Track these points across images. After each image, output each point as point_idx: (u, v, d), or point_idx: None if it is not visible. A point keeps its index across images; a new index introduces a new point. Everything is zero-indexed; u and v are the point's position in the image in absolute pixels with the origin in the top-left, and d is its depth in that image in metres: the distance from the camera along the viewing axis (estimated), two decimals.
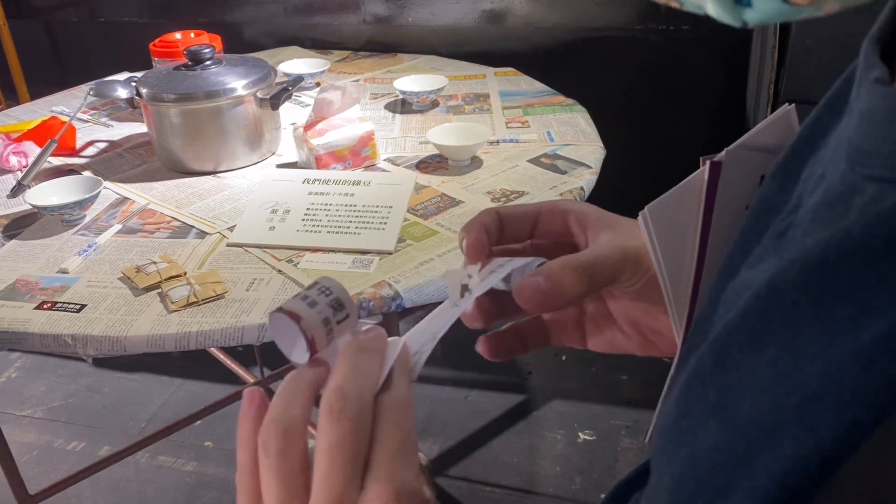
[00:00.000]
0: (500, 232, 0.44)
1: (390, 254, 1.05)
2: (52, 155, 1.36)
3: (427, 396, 1.96)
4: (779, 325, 0.25)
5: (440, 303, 0.43)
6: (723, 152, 0.37)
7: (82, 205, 1.16)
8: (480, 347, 0.46)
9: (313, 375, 0.36)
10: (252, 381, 1.91)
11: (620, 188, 1.28)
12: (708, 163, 0.37)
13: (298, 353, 0.37)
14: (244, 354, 2.03)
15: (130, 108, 1.55)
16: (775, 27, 1.17)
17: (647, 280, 0.42)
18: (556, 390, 1.98)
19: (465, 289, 0.41)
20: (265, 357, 1.99)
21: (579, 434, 1.84)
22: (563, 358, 2.08)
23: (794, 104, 0.39)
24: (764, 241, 0.30)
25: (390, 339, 0.38)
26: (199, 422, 1.85)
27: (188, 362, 2.11)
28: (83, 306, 0.97)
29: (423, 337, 0.39)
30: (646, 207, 0.38)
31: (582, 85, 1.63)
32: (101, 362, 2.15)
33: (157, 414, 1.98)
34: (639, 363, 2.04)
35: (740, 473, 0.24)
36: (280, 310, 0.37)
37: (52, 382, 2.11)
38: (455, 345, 2.09)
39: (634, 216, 0.41)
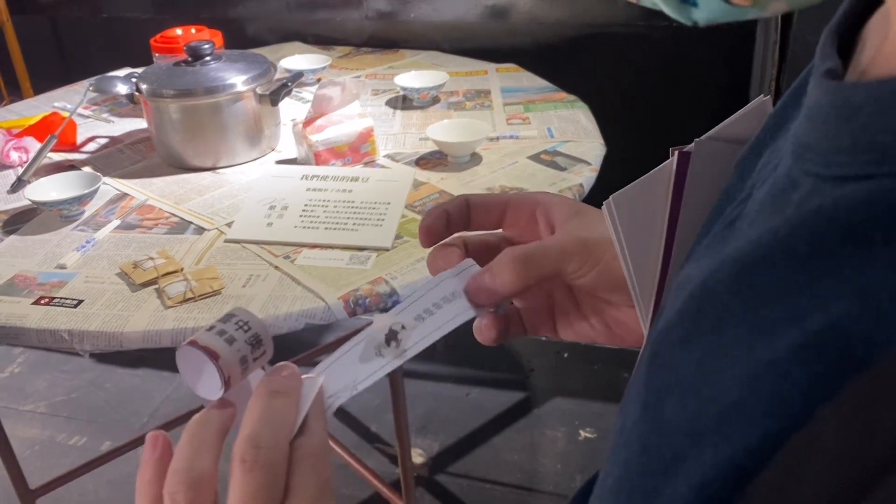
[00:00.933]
0: (467, 219, 0.45)
1: (388, 250, 1.05)
2: (53, 150, 1.36)
3: (428, 393, 1.96)
4: (708, 327, 0.24)
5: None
6: (692, 143, 0.36)
7: (81, 200, 1.16)
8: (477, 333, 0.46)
9: (220, 420, 0.34)
10: None
11: (622, 185, 1.28)
12: (676, 153, 0.37)
13: (208, 390, 0.35)
14: None
15: (131, 104, 1.56)
16: (776, 22, 1.16)
17: (598, 272, 0.41)
18: (557, 388, 1.97)
19: (393, 336, 0.38)
20: None
21: (580, 432, 1.84)
22: (565, 356, 2.07)
23: (769, 96, 0.38)
24: (713, 232, 0.30)
25: (305, 377, 0.36)
26: None
27: None
28: (80, 302, 0.97)
29: (342, 380, 0.37)
30: (610, 197, 0.37)
31: (585, 81, 1.63)
32: (104, 358, 2.16)
33: (159, 409, 1.99)
34: None
35: (667, 480, 0.24)
36: (195, 344, 0.34)
37: (54, 378, 2.12)
38: (457, 342, 2.09)
39: None
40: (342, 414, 1.92)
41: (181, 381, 2.07)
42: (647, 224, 0.38)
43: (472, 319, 0.42)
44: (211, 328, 0.35)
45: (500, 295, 0.40)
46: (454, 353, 2.07)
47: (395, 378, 1.30)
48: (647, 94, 1.90)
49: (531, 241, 0.44)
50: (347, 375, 0.37)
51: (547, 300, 0.46)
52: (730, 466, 0.21)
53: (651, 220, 0.38)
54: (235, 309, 0.37)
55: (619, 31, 1.85)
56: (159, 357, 2.14)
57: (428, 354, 2.06)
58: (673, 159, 0.37)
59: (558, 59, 1.90)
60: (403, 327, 0.38)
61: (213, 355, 0.34)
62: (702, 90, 1.86)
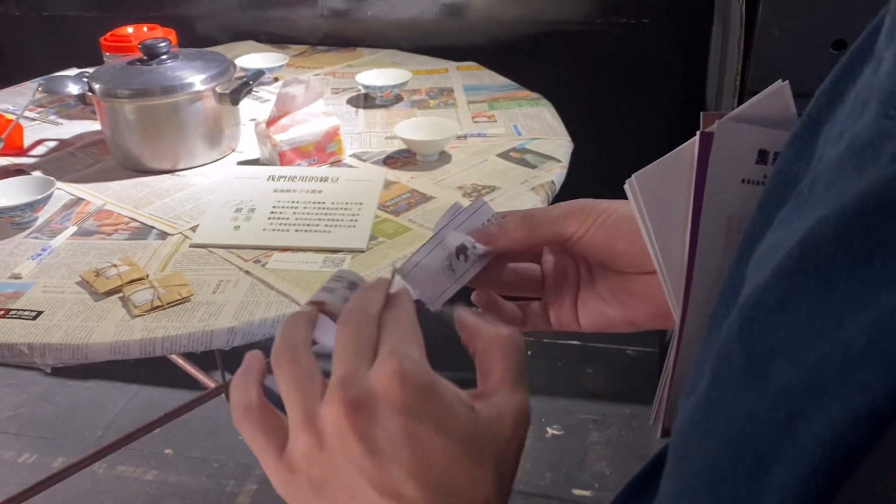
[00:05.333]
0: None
1: (363, 251, 1.02)
2: None
3: None
4: (812, 284, 0.24)
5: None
6: (714, 123, 0.37)
7: (34, 206, 1.11)
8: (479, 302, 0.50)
9: (307, 316, 0.39)
10: (213, 385, 1.86)
11: (583, 181, 1.27)
12: (698, 133, 0.38)
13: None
14: (203, 358, 1.98)
15: (81, 105, 1.50)
16: (741, 18, 1.17)
17: (598, 229, 0.45)
18: None
19: (463, 251, 0.45)
20: (226, 361, 1.94)
21: (547, 429, 1.84)
22: (529, 353, 2.07)
23: (787, 81, 0.39)
24: (788, 204, 0.29)
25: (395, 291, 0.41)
26: (158, 429, 1.79)
27: (145, 368, 2.03)
28: (39, 313, 0.92)
29: (434, 285, 0.45)
30: (633, 175, 0.39)
31: (544, 79, 1.62)
32: (53, 370, 2.07)
33: (115, 422, 1.91)
34: (603, 356, 2.05)
35: (783, 441, 0.23)
36: (311, 303, 0.41)
37: None
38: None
39: None
40: None
41: (137, 392, 2.00)
42: (670, 202, 0.39)
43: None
44: (322, 289, 0.42)
45: (501, 241, 0.46)
46: None
47: None
48: (605, 90, 1.91)
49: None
50: (428, 286, 0.45)
51: (573, 292, 0.49)
52: (866, 414, 0.21)
53: (674, 199, 0.39)
54: (340, 271, 0.43)
55: (578, 28, 1.85)
56: (112, 367, 2.06)
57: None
58: (694, 140, 0.38)
59: (517, 57, 1.89)
60: (474, 246, 0.45)
61: (318, 304, 0.41)
62: (660, 85, 1.88)
